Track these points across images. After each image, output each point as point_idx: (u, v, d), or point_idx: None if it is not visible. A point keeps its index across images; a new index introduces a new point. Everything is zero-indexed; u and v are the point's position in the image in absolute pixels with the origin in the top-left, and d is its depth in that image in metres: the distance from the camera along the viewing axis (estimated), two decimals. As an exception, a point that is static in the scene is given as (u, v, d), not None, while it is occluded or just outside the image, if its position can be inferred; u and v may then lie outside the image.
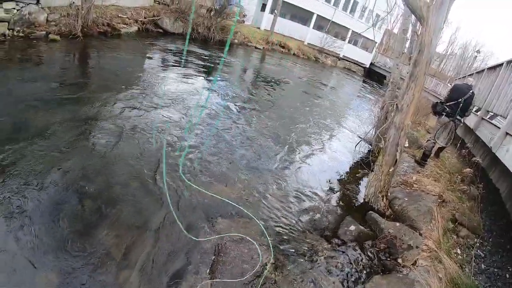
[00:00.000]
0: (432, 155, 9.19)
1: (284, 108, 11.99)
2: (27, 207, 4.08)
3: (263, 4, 32.08)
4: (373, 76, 33.98)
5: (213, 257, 4.17)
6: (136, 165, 5.66)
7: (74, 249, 3.71)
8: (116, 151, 5.89)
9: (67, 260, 3.57)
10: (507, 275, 5.25)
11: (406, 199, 6.66)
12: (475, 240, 6.04)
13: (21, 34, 11.84)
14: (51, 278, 3.35)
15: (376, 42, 37.68)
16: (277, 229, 5.19)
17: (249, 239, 4.56)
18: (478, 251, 5.77)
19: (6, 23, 11.48)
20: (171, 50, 15.11)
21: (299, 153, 8.42)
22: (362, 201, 6.90)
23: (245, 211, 4.97)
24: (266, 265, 4.23)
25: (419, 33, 6.33)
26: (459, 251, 5.64)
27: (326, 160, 8.62)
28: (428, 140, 9.08)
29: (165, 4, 20.51)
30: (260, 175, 6.69)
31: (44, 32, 12.39)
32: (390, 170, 6.44)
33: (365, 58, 36.75)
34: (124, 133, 6.55)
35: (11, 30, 11.58)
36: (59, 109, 6.85)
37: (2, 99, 6.62)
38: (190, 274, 3.84)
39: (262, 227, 4.77)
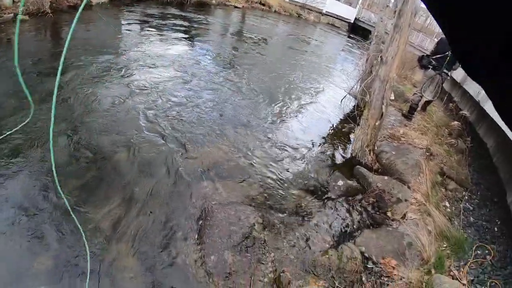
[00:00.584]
0: (419, 108, 9.12)
1: (269, 64, 11.77)
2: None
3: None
4: (357, 31, 33.23)
5: (201, 221, 4.13)
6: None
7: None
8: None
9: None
10: (495, 228, 5.33)
11: (394, 153, 6.63)
12: (463, 193, 6.12)
13: None
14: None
15: (360, -3, 36.83)
16: (265, 187, 5.13)
17: (235, 200, 4.56)
18: (467, 204, 5.86)
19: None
20: (145, 18, 14.57)
21: (286, 108, 8.31)
22: (349, 156, 6.85)
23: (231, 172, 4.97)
24: (254, 225, 4.21)
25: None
26: (447, 204, 5.71)
27: (312, 115, 8.51)
28: (414, 94, 8.97)
29: (136, -30, 19.58)
30: (248, 131, 6.60)
31: (11, 14, 11.88)
32: (377, 123, 6.37)
33: (349, 13, 35.75)
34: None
35: None
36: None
37: None
38: (180, 241, 3.82)
39: (248, 188, 4.75)
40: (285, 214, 4.65)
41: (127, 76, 7.77)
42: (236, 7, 23.21)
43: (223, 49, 12.35)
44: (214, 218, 4.19)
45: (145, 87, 7.41)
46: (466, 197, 5.96)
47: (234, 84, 8.95)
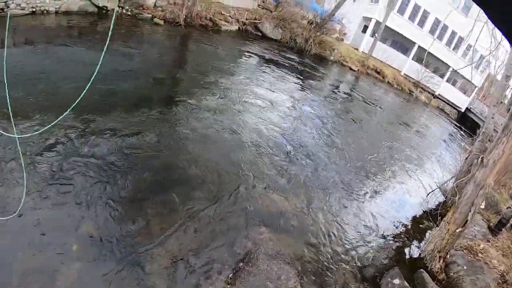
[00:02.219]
0: (508, 225, 8.06)
1: (369, 133, 11.42)
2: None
3: (365, 25, 30.92)
4: (466, 122, 31.26)
5: (241, 264, 3.99)
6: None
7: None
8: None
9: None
10: None
11: (465, 268, 5.84)
12: None
13: (129, 13, 12.85)
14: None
15: (476, 86, 34.77)
16: (317, 254, 4.83)
17: (283, 257, 4.34)
18: None
19: (118, 1, 12.67)
20: (266, 54, 15.15)
21: (369, 184, 7.86)
22: (416, 255, 6.17)
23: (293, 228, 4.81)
24: (291, 291, 3.93)
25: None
26: None
27: (393, 199, 7.92)
28: (508, 208, 7.99)
29: (267, 10, 20.74)
30: (326, 195, 6.37)
31: (150, 15, 13.25)
32: (457, 230, 5.69)
33: (461, 101, 33.71)
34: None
35: (120, 8, 12.66)
36: (145, 85, 7.72)
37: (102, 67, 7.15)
38: (213, 272, 3.75)
39: (303, 250, 4.53)
40: (326, 292, 4.28)
41: (233, 105, 8.22)
42: (351, 69, 23.25)
43: (329, 104, 12.31)
44: (255, 266, 4.02)
45: (245, 119, 7.76)
46: None
47: (331, 142, 8.82)
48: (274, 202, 5.38)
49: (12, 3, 10.64)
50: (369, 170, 8.58)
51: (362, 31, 30.78)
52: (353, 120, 12.10)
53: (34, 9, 11.33)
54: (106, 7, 12.51)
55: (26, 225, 3.51)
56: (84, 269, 3.33)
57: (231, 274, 3.80)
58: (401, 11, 28.94)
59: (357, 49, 28.68)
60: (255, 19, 18.59)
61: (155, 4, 13.76)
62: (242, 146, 6.61)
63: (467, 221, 5.66)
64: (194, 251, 3.89)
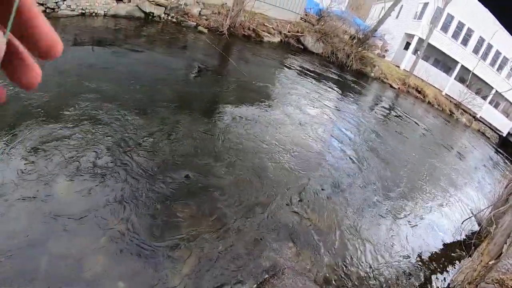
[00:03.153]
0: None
1: (404, 153, 10.81)
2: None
3: (407, 42, 30.10)
4: (508, 147, 29.77)
5: (266, 276, 3.87)
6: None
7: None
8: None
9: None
10: None
11: (494, 302, 5.33)
12: None
13: (174, 20, 13.02)
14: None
15: (520, 110, 33.26)
16: (344, 276, 4.55)
17: (309, 275, 4.20)
18: None
19: (163, 8, 13.18)
20: (307, 67, 14.83)
21: (403, 205, 7.37)
22: (445, 285, 5.70)
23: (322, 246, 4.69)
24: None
25: None
26: None
27: (427, 223, 7.37)
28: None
29: (310, 23, 20.39)
30: (355, 214, 6.03)
31: (194, 23, 13.28)
32: (491, 262, 5.26)
33: (503, 125, 32.16)
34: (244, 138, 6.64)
35: (166, 15, 12.95)
36: (185, 90, 7.92)
37: (145, 70, 8.03)
38: (237, 282, 3.66)
39: (330, 270, 4.38)
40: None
41: (272, 117, 8.08)
42: (392, 86, 22.60)
43: (367, 121, 11.81)
44: (280, 280, 3.89)
45: (283, 132, 7.55)
46: None
47: (367, 160, 8.40)
48: (306, 218, 5.21)
49: (63, 4, 11.09)
50: (404, 190, 8.10)
51: (404, 48, 29.99)
52: (391, 139, 11.57)
53: (83, 11, 11.75)
54: (153, 13, 12.67)
55: (62, 210, 3.68)
56: (109, 262, 3.35)
57: (255, 285, 3.71)
58: (445, 28, 27.96)
59: (398, 66, 27.95)
60: (297, 32, 18.31)
61: (199, 13, 13.77)
62: (277, 160, 6.48)
63: (501, 253, 5.30)
64: (220, 258, 3.83)
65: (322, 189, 6.24)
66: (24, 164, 4.09)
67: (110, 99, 6.17)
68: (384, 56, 27.51)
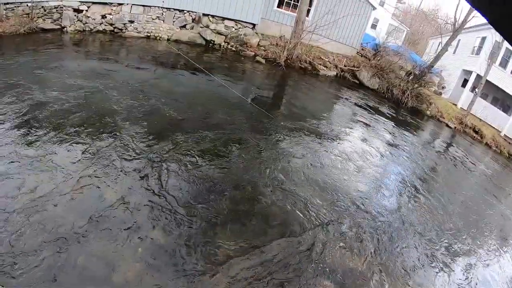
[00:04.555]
0: None
1: (457, 198, 9.91)
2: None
3: (464, 79, 28.70)
4: None
5: None
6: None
7: None
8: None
9: None
10: None
11: None
12: None
13: (233, 49, 13.29)
14: None
15: None
16: None
17: None
18: None
19: (224, 37, 13.84)
20: (362, 103, 14.44)
21: (454, 253, 6.71)
22: None
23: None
24: None
25: None
26: None
27: (479, 274, 6.58)
28: None
29: (366, 57, 20.02)
30: (400, 259, 5.64)
31: (253, 53, 13.44)
32: None
33: None
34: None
35: (226, 43, 13.25)
36: (239, 115, 8.23)
37: (202, 93, 8.63)
38: None
39: None
40: None
41: (322, 151, 8.08)
42: (448, 125, 21.53)
43: (421, 161, 11.04)
44: None
45: (331, 165, 7.50)
46: None
47: (418, 201, 7.91)
48: (346, 257, 4.99)
49: (130, 25, 11.75)
50: (456, 237, 7.29)
51: (462, 85, 28.60)
52: (445, 182, 10.81)
53: (148, 34, 12.44)
54: (214, 41, 12.99)
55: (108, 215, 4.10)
56: (143, 272, 3.54)
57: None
58: (503, 64, 26.26)
59: (455, 104, 26.67)
60: (353, 66, 17.98)
61: (258, 44, 13.93)
62: (322, 194, 6.29)
63: None
64: (254, 285, 3.84)
65: (366, 228, 5.89)
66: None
67: (169, 118, 6.90)
68: (440, 94, 26.38)
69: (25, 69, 7.62)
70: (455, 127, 22.17)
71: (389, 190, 7.82)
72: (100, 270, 3.42)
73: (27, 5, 10.82)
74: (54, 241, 3.56)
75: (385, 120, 13.68)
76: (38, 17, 11.12)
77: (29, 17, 10.84)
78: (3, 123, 5.36)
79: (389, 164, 9.33)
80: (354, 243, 5.39)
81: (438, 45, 27.47)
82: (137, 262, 3.61)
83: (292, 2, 16.77)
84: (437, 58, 21.96)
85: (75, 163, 4.86)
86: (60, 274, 3.27)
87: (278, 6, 16.49)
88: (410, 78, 20.16)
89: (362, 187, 7.24)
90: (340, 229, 5.56)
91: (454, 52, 30.45)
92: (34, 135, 5.24)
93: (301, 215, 5.47)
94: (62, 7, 11.49)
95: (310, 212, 5.64)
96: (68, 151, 5.08)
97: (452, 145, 18.17)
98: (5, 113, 5.65)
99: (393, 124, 13.68)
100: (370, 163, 8.69)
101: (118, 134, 5.81)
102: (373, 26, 30.49)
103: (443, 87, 27.45)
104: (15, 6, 10.64)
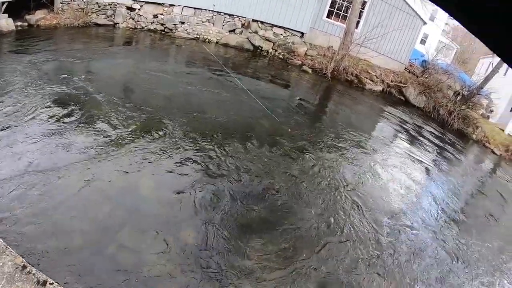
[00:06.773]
0: None
1: (497, 232, 9.09)
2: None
3: (515, 103, 27.49)
4: None
5: None
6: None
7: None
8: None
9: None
10: None
11: None
12: None
13: (280, 56, 13.20)
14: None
15: None
16: None
17: None
18: None
19: (272, 44, 13.82)
20: (406, 121, 13.83)
21: None
22: None
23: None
24: None
25: None
26: None
27: None
28: None
29: (414, 74, 19.20)
30: None
31: (300, 62, 13.28)
32: None
33: None
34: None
35: (274, 50, 13.20)
36: (281, 124, 8.29)
37: (247, 98, 8.68)
38: None
39: None
40: None
41: (362, 169, 7.84)
42: (493, 152, 20.52)
43: (462, 190, 10.17)
44: None
45: (368, 184, 7.33)
46: None
47: (456, 236, 7.18)
48: (378, 285, 4.76)
49: (180, 26, 11.95)
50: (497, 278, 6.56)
51: (511, 110, 27.35)
52: (486, 216, 10.02)
53: (198, 36, 12.55)
54: (261, 47, 12.94)
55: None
56: (169, 270, 3.68)
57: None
58: None
59: (503, 130, 25.44)
60: (400, 82, 17.25)
61: (306, 53, 13.73)
62: (358, 215, 6.10)
63: None
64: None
65: (401, 259, 5.49)
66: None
67: (213, 122, 7.29)
68: (488, 117, 25.14)
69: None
70: (501, 154, 21.02)
71: (423, 217, 7.25)
72: (132, 266, 3.64)
73: (83, 0, 11.22)
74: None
75: (429, 141, 13.04)
76: (92, 12, 11.48)
77: (83, 11, 11.21)
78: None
79: (427, 187, 8.82)
80: (386, 270, 5.15)
81: (489, 65, 26.33)
82: (162, 258, 3.85)
83: (341, 13, 16.39)
84: (487, 79, 20.99)
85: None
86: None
87: (328, 16, 16.12)
88: (458, 98, 19.31)
89: (394, 208, 7.01)
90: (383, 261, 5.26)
91: (505, 74, 29.04)
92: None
93: (333, 231, 5.47)
94: (115, 4, 11.88)
95: (342, 228, 5.61)
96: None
97: (496, 173, 17.07)
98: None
99: (436, 146, 13.01)
100: (406, 184, 8.32)
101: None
102: (422, 42, 29.58)
103: (491, 111, 26.18)
104: (71, 0, 11.04)
